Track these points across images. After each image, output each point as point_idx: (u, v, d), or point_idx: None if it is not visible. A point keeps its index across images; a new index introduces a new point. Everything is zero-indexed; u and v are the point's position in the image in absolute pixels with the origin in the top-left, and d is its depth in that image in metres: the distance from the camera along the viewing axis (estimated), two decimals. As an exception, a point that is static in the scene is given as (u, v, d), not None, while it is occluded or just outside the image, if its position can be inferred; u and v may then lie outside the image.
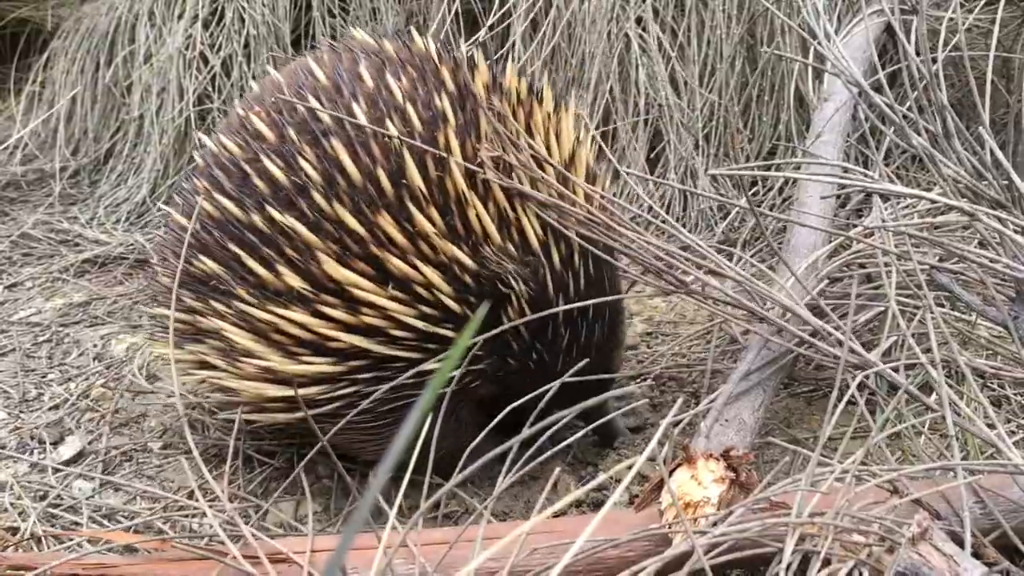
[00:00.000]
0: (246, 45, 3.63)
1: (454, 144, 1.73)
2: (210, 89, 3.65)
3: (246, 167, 1.82)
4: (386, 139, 1.72)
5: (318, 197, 1.72)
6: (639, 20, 3.34)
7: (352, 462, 1.95)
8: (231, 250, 1.81)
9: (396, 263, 1.69)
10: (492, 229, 1.73)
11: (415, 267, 1.70)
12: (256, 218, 1.78)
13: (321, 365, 1.76)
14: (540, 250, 1.77)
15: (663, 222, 1.86)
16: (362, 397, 1.77)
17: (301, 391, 1.75)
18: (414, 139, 1.72)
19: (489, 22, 3.45)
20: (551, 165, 1.80)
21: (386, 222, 1.69)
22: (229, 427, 2.23)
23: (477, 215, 1.72)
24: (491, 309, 1.75)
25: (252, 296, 1.79)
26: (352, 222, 1.70)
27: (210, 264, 1.84)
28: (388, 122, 1.73)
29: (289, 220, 1.73)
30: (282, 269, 1.75)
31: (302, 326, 1.75)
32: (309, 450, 2.17)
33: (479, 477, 2.01)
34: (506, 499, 1.95)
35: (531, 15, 3.35)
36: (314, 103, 1.78)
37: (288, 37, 3.64)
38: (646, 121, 3.30)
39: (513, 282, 1.74)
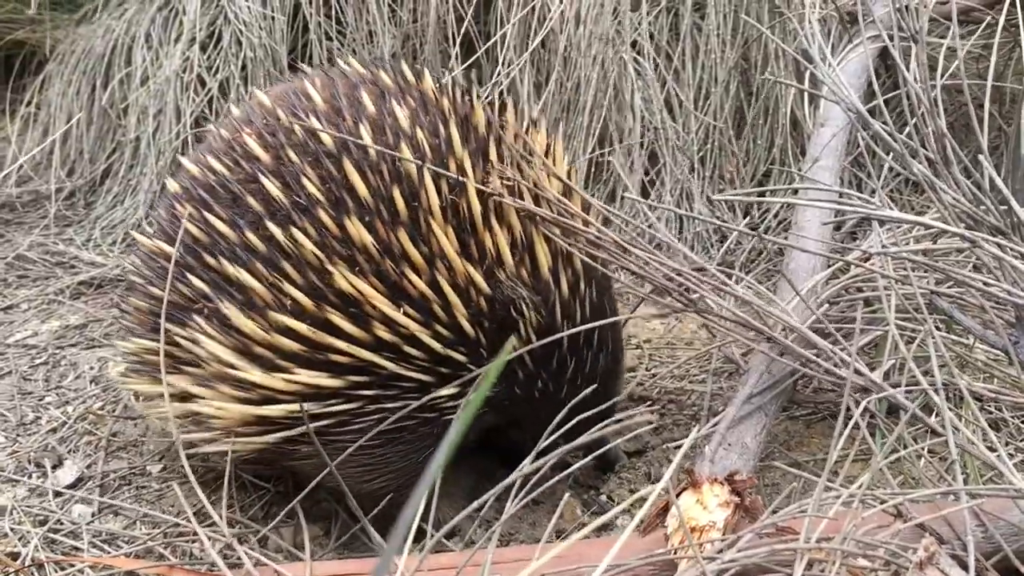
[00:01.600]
0: (243, 68, 3.64)
1: (467, 166, 1.74)
2: (207, 111, 3.66)
3: (237, 188, 1.80)
4: (397, 163, 1.72)
5: (323, 215, 1.71)
6: (634, 44, 3.37)
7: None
8: (220, 268, 1.78)
9: (415, 280, 1.69)
10: (507, 253, 1.73)
11: (435, 285, 1.69)
12: (251, 236, 1.75)
13: (318, 378, 1.71)
14: (550, 277, 1.78)
15: (657, 245, 1.88)
16: (355, 416, 1.74)
17: (288, 407, 1.72)
18: (423, 164, 1.72)
19: (485, 47, 3.48)
20: (557, 178, 1.81)
21: (405, 239, 1.69)
22: (226, 452, 2.22)
23: (493, 238, 1.72)
24: (500, 336, 1.74)
25: (240, 310, 1.76)
26: (367, 237, 1.69)
27: (196, 283, 1.81)
28: (402, 145, 1.73)
29: (295, 233, 1.71)
30: (279, 281, 1.72)
31: (298, 337, 1.71)
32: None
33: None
34: (510, 521, 1.96)
35: (526, 39, 3.37)
36: (316, 124, 1.78)
37: (285, 60, 3.65)
38: (642, 144, 3.32)
39: (525, 308, 1.74)
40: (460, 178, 1.72)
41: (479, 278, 1.71)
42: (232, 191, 1.81)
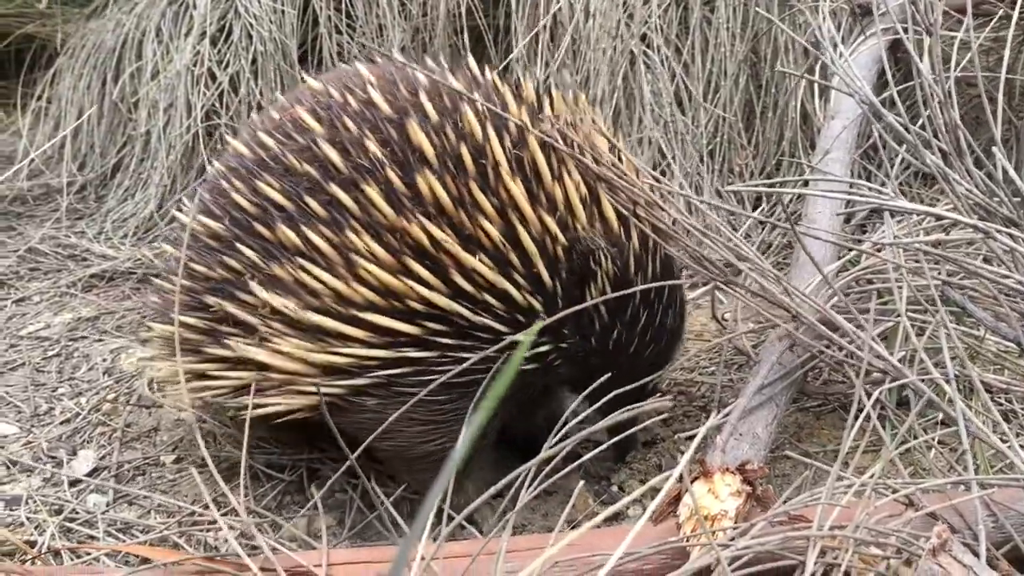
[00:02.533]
0: (253, 62, 3.65)
1: (527, 120, 1.78)
2: (217, 105, 3.67)
3: (292, 158, 1.83)
4: (460, 124, 1.76)
5: (391, 174, 1.74)
6: (644, 38, 3.38)
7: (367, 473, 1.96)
8: (273, 236, 1.81)
9: (490, 229, 1.71)
10: (578, 204, 1.76)
11: (511, 236, 1.72)
12: (310, 201, 1.79)
13: (395, 324, 1.73)
14: (621, 231, 1.80)
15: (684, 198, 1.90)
16: (431, 365, 1.74)
17: (359, 350, 1.74)
18: (484, 123, 1.76)
19: (494, 39, 3.49)
20: (611, 142, 1.85)
21: (476, 191, 1.72)
22: (241, 441, 2.24)
23: (564, 189, 1.75)
24: (576, 286, 1.77)
25: (299, 267, 1.78)
26: (439, 190, 1.71)
27: (247, 252, 1.83)
28: (463, 106, 1.77)
29: (367, 190, 1.74)
30: (351, 236, 1.74)
31: (373, 287, 1.73)
32: (319, 464, 2.20)
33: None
34: (524, 512, 1.97)
35: (536, 32, 3.38)
36: (373, 93, 1.82)
37: (295, 54, 3.67)
38: (651, 137, 3.33)
39: (603, 259, 1.76)
40: (523, 123, 1.76)
41: (555, 228, 1.74)
42: (284, 162, 1.84)
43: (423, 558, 1.32)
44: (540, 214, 1.73)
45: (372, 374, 1.76)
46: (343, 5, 3.66)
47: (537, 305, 1.75)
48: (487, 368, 1.73)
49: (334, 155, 1.78)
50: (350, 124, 1.80)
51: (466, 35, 3.53)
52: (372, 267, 1.72)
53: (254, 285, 1.82)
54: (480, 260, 1.71)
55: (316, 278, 1.76)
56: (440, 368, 1.72)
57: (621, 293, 1.78)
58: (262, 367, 1.84)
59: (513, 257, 1.73)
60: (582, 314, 1.78)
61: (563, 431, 1.44)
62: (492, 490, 1.24)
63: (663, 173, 3.30)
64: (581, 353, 1.85)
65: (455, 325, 1.73)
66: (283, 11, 3.65)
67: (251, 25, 3.66)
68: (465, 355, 1.72)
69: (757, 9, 3.23)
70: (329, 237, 1.76)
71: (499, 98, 1.84)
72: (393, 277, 1.71)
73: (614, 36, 3.33)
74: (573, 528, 1.93)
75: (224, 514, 1.91)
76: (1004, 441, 1.62)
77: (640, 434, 2.19)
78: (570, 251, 1.76)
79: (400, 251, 1.72)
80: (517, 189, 1.72)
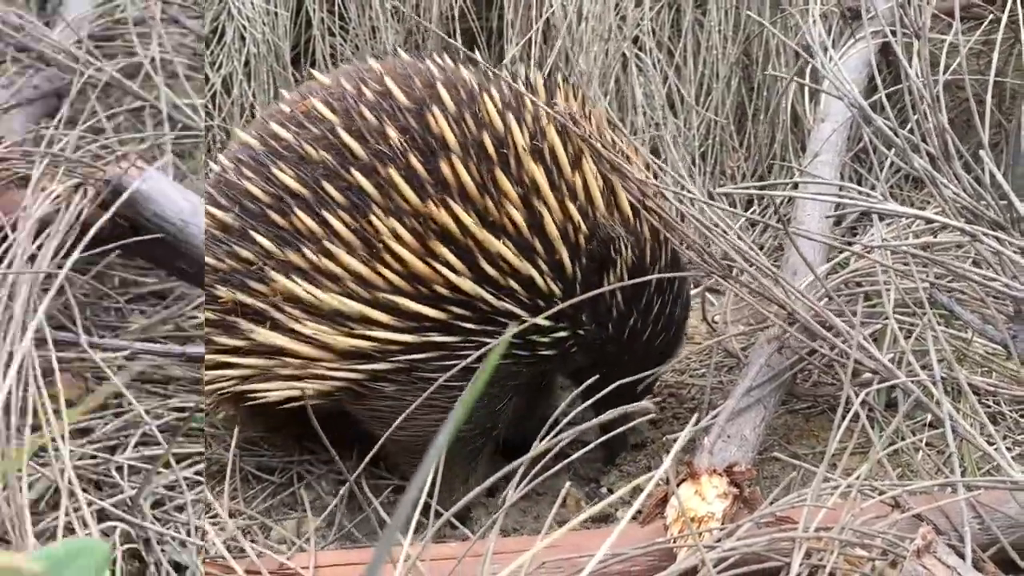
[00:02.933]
0: (246, 63, 3.65)
1: (542, 112, 1.80)
2: (210, 107, 3.67)
3: (308, 146, 1.83)
4: (479, 113, 1.79)
5: (413, 160, 1.76)
6: (636, 40, 3.38)
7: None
8: (290, 223, 1.81)
9: (515, 215, 1.74)
10: (597, 195, 1.79)
11: (534, 222, 1.75)
12: (328, 187, 1.80)
13: (420, 308, 1.75)
14: (636, 222, 1.84)
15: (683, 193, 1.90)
16: (454, 350, 1.76)
17: (382, 334, 1.76)
18: (504, 113, 1.79)
19: (487, 41, 3.50)
20: (622, 132, 1.87)
21: (501, 176, 1.74)
22: (230, 443, 2.23)
23: (583, 178, 1.78)
24: (595, 273, 1.81)
25: (319, 252, 1.79)
26: (464, 176, 1.73)
27: (261, 240, 1.83)
28: (484, 97, 1.79)
29: (392, 174, 1.76)
30: (374, 221, 1.76)
31: (397, 271, 1.75)
32: (310, 466, 2.20)
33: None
34: (514, 514, 1.97)
35: (528, 34, 3.38)
36: (390, 84, 1.84)
37: (288, 55, 3.66)
38: (643, 140, 3.33)
39: (623, 248, 1.80)
40: (545, 109, 1.79)
41: (578, 216, 1.77)
42: (299, 151, 1.85)
43: (408, 559, 1.32)
44: (563, 201, 1.76)
45: (394, 359, 1.77)
46: (336, 7, 3.66)
47: (558, 291, 1.78)
48: (508, 354, 1.77)
49: (352, 142, 1.80)
50: (367, 113, 1.82)
51: (459, 37, 3.53)
52: (400, 249, 1.74)
53: (271, 272, 1.82)
54: (505, 245, 1.74)
55: (338, 262, 1.77)
56: (462, 353, 1.75)
57: (638, 280, 1.81)
58: (278, 354, 1.84)
59: (537, 244, 1.76)
60: (599, 301, 1.82)
61: (553, 431, 1.45)
62: (479, 489, 1.25)
63: (654, 176, 3.31)
64: (598, 340, 1.88)
65: (478, 310, 1.76)
66: (276, 13, 3.65)
67: (244, 27, 3.65)
68: (487, 340, 1.75)
69: (748, 12, 3.24)
70: (348, 222, 1.78)
71: (514, 90, 1.86)
72: (420, 261, 1.74)
73: (606, 39, 3.34)
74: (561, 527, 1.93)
75: (212, 517, 1.91)
76: (991, 443, 1.63)
77: (630, 436, 2.19)
78: (591, 239, 1.79)
79: (425, 236, 1.75)
80: (540, 176, 1.75)
